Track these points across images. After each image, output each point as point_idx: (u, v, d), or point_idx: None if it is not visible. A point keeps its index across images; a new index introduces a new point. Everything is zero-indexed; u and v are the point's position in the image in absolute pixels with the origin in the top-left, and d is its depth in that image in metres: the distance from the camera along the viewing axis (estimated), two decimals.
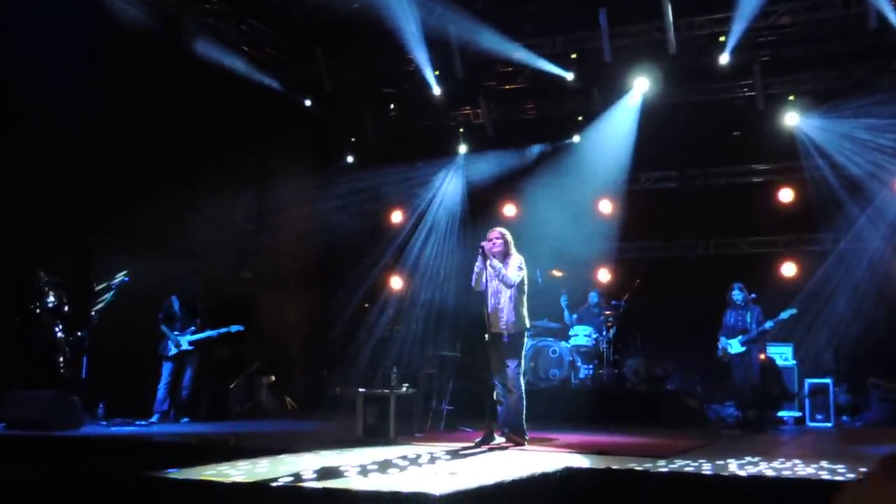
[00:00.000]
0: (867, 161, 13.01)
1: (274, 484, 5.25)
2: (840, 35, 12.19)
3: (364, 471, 5.92)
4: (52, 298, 10.17)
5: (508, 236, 8.58)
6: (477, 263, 8.43)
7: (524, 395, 8.40)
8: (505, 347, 8.34)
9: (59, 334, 10.17)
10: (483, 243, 8.47)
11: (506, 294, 8.40)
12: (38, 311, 10.13)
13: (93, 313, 10.34)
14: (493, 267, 8.37)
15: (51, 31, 9.94)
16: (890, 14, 11.07)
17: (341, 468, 6.09)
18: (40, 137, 10.19)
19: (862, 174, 13.09)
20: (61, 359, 10.10)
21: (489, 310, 8.35)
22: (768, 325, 11.29)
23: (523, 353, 8.57)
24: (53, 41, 9.92)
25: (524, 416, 8.37)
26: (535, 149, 15.26)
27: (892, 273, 13.26)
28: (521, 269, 8.44)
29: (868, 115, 12.58)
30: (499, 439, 8.26)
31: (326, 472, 5.83)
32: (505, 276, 8.35)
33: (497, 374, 8.41)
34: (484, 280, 8.33)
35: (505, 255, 8.46)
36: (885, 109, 12.29)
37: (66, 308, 10.28)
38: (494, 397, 8.44)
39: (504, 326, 8.35)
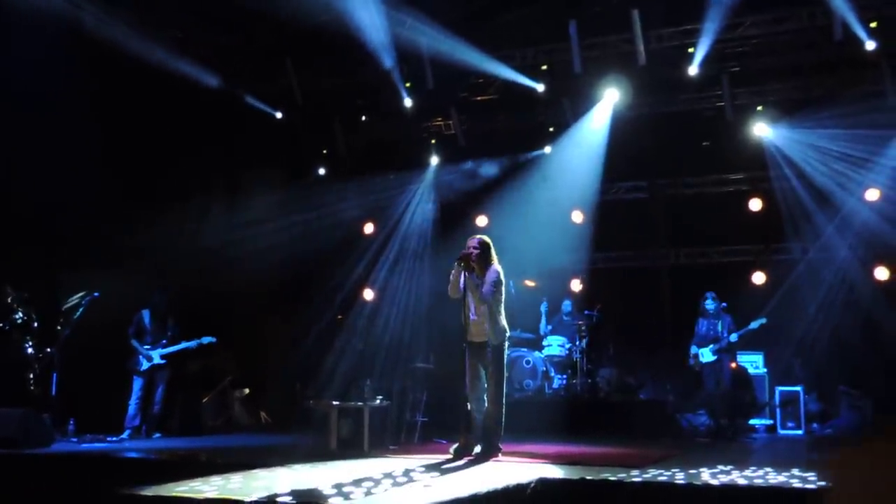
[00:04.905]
0: (834, 171, 13.16)
1: (247, 500, 5.20)
2: (806, 47, 12.34)
3: (338, 486, 5.90)
4: (20, 314, 10.06)
5: (489, 244, 8.42)
6: (453, 271, 8.28)
7: (504, 406, 8.31)
8: (486, 357, 8.25)
9: (29, 350, 10.06)
10: (463, 252, 8.30)
11: (483, 305, 8.30)
12: (6, 327, 10.02)
13: (62, 329, 10.22)
14: (471, 279, 8.24)
15: (18, 44, 9.85)
16: (854, 26, 11.22)
17: (315, 483, 6.07)
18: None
19: (829, 184, 13.24)
20: (31, 375, 9.98)
21: (468, 319, 8.21)
22: (737, 334, 11.46)
23: (504, 362, 8.41)
24: (19, 53, 9.83)
25: (501, 428, 8.30)
26: (507, 160, 15.31)
27: (859, 282, 13.42)
28: (499, 281, 8.32)
29: (835, 126, 12.70)
30: (475, 450, 8.23)
31: (300, 488, 5.80)
32: (482, 293, 8.21)
33: (472, 385, 8.29)
34: (461, 287, 8.21)
35: (483, 265, 8.34)
36: (851, 120, 12.42)
37: (35, 324, 10.18)
38: (468, 408, 8.31)
39: (486, 336, 8.24)
